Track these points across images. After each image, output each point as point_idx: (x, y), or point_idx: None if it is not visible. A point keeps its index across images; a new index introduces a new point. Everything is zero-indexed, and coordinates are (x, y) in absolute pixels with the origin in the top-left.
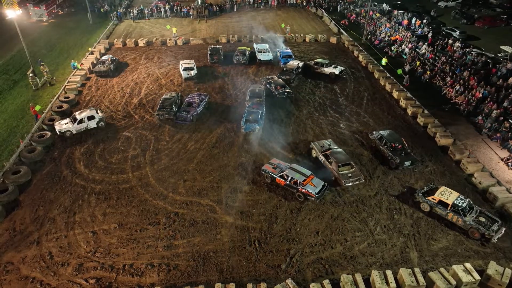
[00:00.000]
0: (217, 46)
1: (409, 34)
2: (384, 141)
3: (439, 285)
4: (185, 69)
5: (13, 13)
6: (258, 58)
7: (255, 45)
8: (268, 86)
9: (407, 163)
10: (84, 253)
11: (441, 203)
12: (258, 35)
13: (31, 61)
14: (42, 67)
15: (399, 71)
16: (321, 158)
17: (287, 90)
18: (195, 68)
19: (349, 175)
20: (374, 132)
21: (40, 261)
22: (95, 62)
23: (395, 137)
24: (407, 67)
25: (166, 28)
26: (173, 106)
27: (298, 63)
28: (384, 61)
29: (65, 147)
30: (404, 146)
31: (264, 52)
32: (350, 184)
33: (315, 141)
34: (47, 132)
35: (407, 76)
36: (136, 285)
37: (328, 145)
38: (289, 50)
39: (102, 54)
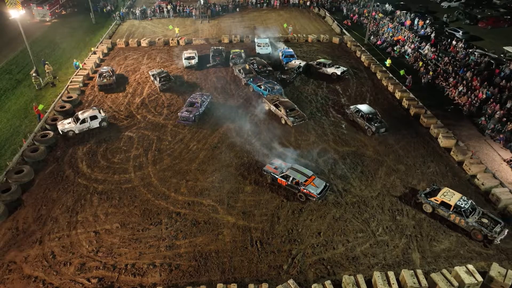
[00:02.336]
0: (220, 48)
1: (412, 34)
2: (360, 113)
3: (442, 286)
4: (186, 58)
5: (16, 13)
6: (257, 51)
7: (256, 40)
8: (251, 66)
9: (382, 130)
10: (86, 252)
11: (444, 204)
12: (260, 35)
13: (34, 61)
14: (46, 66)
15: (402, 72)
16: (273, 108)
17: (269, 69)
18: (196, 58)
19: (296, 117)
20: (351, 107)
21: (42, 261)
22: (97, 61)
23: (370, 110)
24: (424, 79)
25: (168, 28)
26: (170, 77)
27: (300, 63)
28: (388, 62)
29: (67, 146)
30: (378, 116)
31: (263, 46)
32: (297, 124)
33: (265, 98)
34: (50, 131)
35: (410, 76)
36: (138, 285)
37: (277, 98)
38: (291, 50)
39: (104, 54)
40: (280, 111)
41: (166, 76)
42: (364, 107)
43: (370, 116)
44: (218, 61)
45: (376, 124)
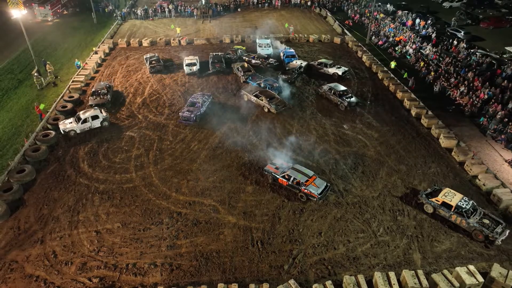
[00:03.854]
0: (219, 54)
1: (413, 34)
2: (332, 91)
3: (442, 287)
4: (187, 65)
5: (18, 13)
6: (258, 52)
7: (257, 40)
8: (252, 60)
9: (353, 104)
10: (88, 252)
11: (445, 204)
12: (262, 36)
13: (36, 60)
14: (48, 66)
15: (405, 74)
16: (253, 99)
17: (270, 61)
18: (198, 64)
19: (278, 104)
20: (323, 86)
21: (44, 260)
22: (98, 61)
23: (341, 87)
24: (436, 87)
25: (170, 28)
26: (160, 60)
27: (301, 63)
28: (393, 64)
29: (69, 146)
30: (349, 92)
31: (264, 47)
32: (280, 110)
33: (243, 89)
34: (51, 131)
35: (412, 78)
36: (139, 284)
37: (256, 89)
38: (293, 50)
39: (106, 54)
40: (262, 100)
41: (157, 59)
42: (335, 85)
43: (341, 92)
44: (218, 68)
45: (347, 100)
